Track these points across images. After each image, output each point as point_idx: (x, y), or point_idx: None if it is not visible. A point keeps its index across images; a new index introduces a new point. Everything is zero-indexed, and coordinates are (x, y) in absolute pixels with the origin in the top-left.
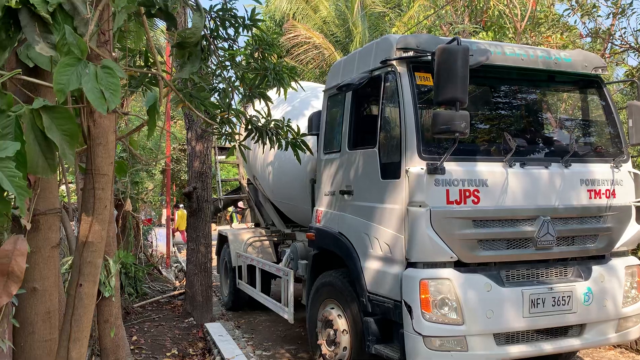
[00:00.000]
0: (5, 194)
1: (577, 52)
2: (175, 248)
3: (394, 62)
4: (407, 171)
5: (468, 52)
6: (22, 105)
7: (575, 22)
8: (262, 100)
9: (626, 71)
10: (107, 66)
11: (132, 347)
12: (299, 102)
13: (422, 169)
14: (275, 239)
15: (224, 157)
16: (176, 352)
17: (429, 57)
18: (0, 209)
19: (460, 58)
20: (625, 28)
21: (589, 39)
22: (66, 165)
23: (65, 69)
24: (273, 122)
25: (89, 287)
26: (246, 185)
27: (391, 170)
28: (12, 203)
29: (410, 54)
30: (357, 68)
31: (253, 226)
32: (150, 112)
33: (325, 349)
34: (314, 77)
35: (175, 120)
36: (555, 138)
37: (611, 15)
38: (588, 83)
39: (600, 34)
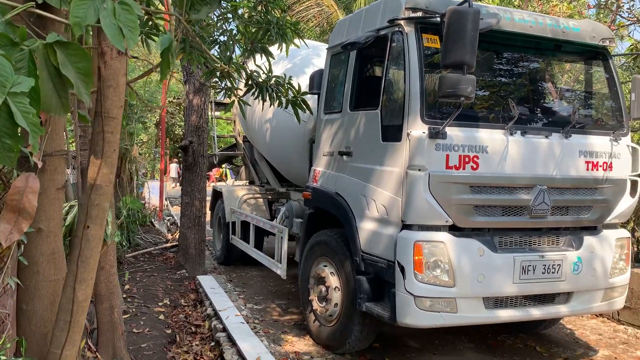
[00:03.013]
0: (18, 130)
1: (586, 22)
2: (168, 201)
3: (402, 22)
4: (408, 134)
5: (479, 14)
6: (36, 40)
7: None
8: (263, 55)
9: (630, 45)
10: (125, 2)
11: (124, 296)
12: (300, 60)
13: (423, 132)
14: (270, 197)
15: (218, 113)
16: (168, 302)
17: (438, 19)
18: (12, 145)
19: (470, 20)
20: (634, 1)
21: (593, 10)
22: None
23: (83, 1)
24: (274, 79)
25: (96, 230)
26: (242, 142)
27: (392, 133)
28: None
29: (419, 14)
30: (363, 27)
31: (247, 183)
32: (164, 54)
33: (316, 305)
34: (314, 36)
35: (171, 73)
36: (556, 108)
37: None
38: (594, 54)
39: (608, 5)
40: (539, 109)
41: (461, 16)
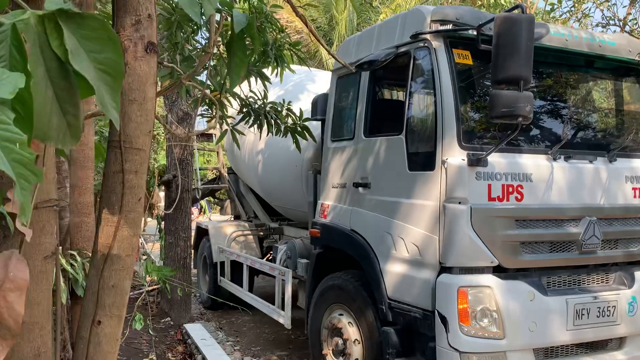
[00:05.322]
0: None
1: (620, 36)
2: (142, 239)
3: (428, 37)
4: (444, 162)
5: (534, 22)
6: (26, 9)
7: (589, 9)
8: (257, 80)
9: None
10: None
11: None
12: (293, 86)
13: (462, 159)
14: (261, 233)
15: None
16: (154, 358)
17: (472, 32)
18: None
19: (525, 29)
20: (637, 19)
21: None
22: None
23: None
24: (270, 105)
25: (112, 326)
26: (226, 174)
27: (422, 161)
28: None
29: (449, 27)
30: (376, 44)
31: (233, 218)
32: (236, 43)
33: None
34: (292, 63)
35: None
36: (597, 130)
37: (628, 3)
38: (628, 70)
39: (615, 23)
40: (579, 131)
41: (514, 24)
